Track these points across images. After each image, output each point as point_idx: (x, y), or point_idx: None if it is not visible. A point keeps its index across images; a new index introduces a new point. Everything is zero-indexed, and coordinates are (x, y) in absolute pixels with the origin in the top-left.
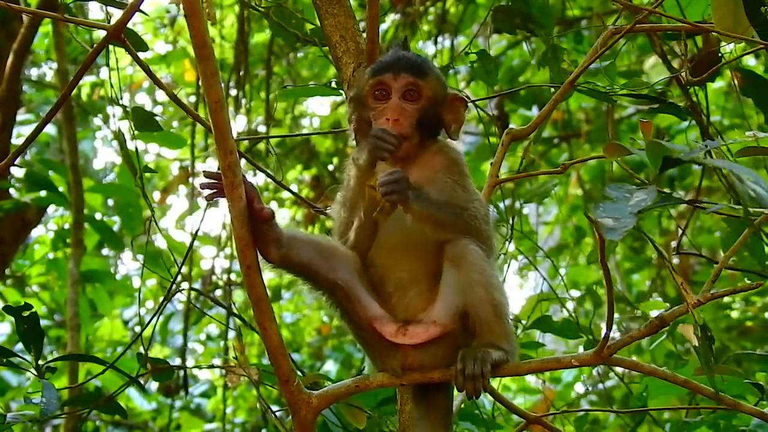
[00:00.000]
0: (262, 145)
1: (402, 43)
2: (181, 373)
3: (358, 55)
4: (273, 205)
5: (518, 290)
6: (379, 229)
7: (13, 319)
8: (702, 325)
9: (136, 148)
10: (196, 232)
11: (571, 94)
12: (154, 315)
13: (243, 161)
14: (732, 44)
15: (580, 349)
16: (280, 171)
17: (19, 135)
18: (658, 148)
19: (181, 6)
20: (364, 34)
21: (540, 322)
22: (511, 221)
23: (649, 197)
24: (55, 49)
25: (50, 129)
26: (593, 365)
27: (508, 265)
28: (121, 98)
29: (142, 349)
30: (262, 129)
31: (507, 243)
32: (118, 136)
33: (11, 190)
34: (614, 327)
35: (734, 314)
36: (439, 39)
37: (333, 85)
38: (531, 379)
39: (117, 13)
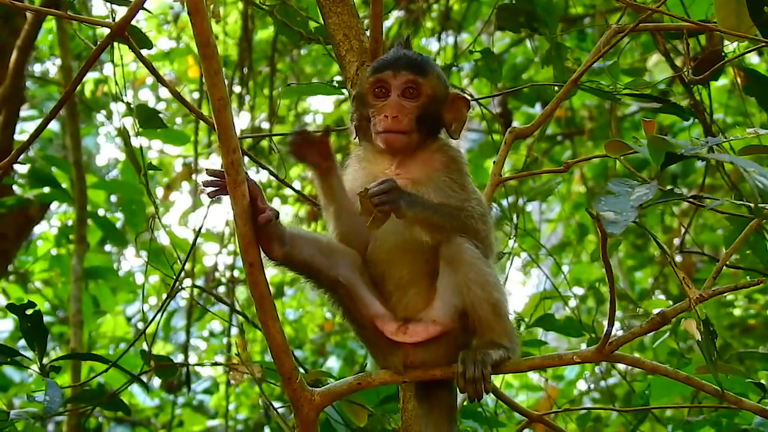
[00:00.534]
0: (265, 142)
1: (404, 41)
2: (184, 369)
3: (362, 54)
4: (276, 202)
5: (521, 288)
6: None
7: (16, 316)
8: (705, 320)
9: (140, 145)
10: (199, 228)
11: (575, 92)
12: (157, 312)
13: (246, 158)
14: (735, 43)
15: (583, 347)
16: (283, 168)
17: (23, 131)
18: (661, 144)
19: (184, 3)
20: (368, 33)
21: (543, 320)
22: (514, 219)
23: (650, 192)
24: (58, 46)
25: (53, 125)
26: (595, 362)
27: (511, 263)
28: (125, 95)
29: (145, 346)
30: (265, 126)
31: (510, 240)
32: (122, 132)
33: (14, 187)
34: (617, 324)
35: (737, 312)
36: (443, 36)
37: (336, 83)
38: (533, 377)
39: (120, 10)
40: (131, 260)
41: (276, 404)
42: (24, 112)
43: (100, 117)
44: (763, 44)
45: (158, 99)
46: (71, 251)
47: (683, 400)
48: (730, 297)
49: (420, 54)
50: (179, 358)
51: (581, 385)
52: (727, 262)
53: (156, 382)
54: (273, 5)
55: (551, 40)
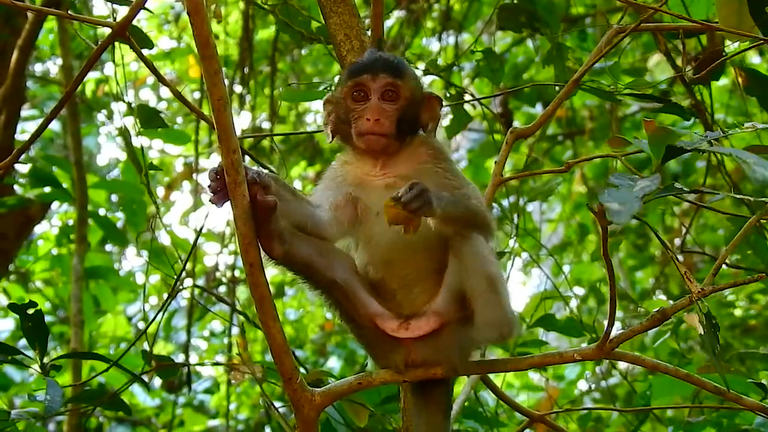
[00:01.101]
0: (266, 142)
1: (378, 43)
2: (185, 369)
3: (363, 54)
4: None
5: (522, 288)
6: (375, 227)
7: (17, 315)
8: (707, 314)
9: (141, 145)
10: (200, 228)
11: (576, 92)
12: (158, 312)
13: (247, 158)
14: (736, 42)
15: (584, 347)
16: (283, 168)
17: (24, 131)
18: (662, 137)
19: (185, 4)
20: (369, 33)
21: (543, 320)
22: (515, 219)
23: (653, 184)
24: (59, 45)
25: (54, 125)
26: (596, 359)
27: (512, 263)
28: (126, 95)
29: (146, 346)
30: (266, 125)
31: (511, 241)
32: (123, 132)
33: (15, 186)
34: (618, 324)
35: (737, 312)
36: (444, 36)
37: (335, 85)
38: (534, 377)
39: (122, 10)
40: (132, 260)
41: (277, 404)
42: (25, 111)
43: (101, 117)
44: (764, 43)
45: (159, 99)
46: (72, 251)
47: (684, 401)
48: (731, 297)
49: (395, 56)
50: (180, 357)
51: (582, 385)
52: (728, 263)
53: (157, 381)
54: (274, 5)
55: (552, 40)
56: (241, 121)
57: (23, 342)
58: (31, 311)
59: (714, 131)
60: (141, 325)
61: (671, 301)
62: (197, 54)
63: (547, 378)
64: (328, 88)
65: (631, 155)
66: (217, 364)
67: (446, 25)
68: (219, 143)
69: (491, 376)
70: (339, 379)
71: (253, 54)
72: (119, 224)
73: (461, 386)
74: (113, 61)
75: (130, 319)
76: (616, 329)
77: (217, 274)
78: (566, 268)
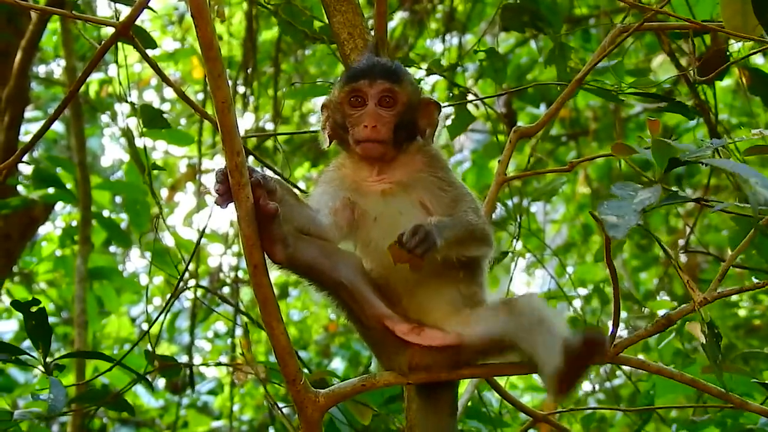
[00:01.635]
0: (270, 142)
1: (375, 48)
2: (188, 370)
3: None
4: None
5: (526, 288)
6: (373, 232)
7: (20, 315)
8: (709, 323)
9: (144, 146)
10: (204, 229)
11: (578, 92)
12: (161, 312)
13: (251, 158)
14: (740, 43)
15: None
16: (287, 168)
17: (27, 132)
18: (664, 148)
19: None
20: (373, 32)
21: None
22: (518, 219)
23: (653, 196)
24: (63, 46)
25: (58, 126)
26: (600, 364)
27: (516, 264)
28: (129, 95)
29: (149, 347)
30: (270, 126)
31: (515, 241)
32: (126, 133)
33: (19, 187)
34: (622, 325)
35: (742, 313)
36: (447, 37)
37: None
38: (538, 378)
39: (125, 10)
40: (136, 261)
41: (280, 405)
42: (28, 112)
43: (105, 118)
44: None
45: (163, 100)
46: (76, 252)
47: (688, 401)
48: (735, 298)
49: (393, 61)
50: (184, 358)
51: (586, 386)
52: (733, 263)
53: (160, 382)
54: (277, 5)
55: (555, 40)
56: (245, 122)
57: (27, 343)
58: (34, 309)
59: (718, 132)
60: (144, 326)
61: (675, 302)
62: (201, 55)
63: None
64: (332, 86)
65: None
66: (220, 364)
67: (450, 26)
68: (223, 145)
69: None
70: (343, 380)
71: (256, 54)
72: (123, 225)
73: (465, 386)
74: (116, 61)
75: (133, 320)
76: (621, 331)
77: (221, 274)
78: (570, 269)
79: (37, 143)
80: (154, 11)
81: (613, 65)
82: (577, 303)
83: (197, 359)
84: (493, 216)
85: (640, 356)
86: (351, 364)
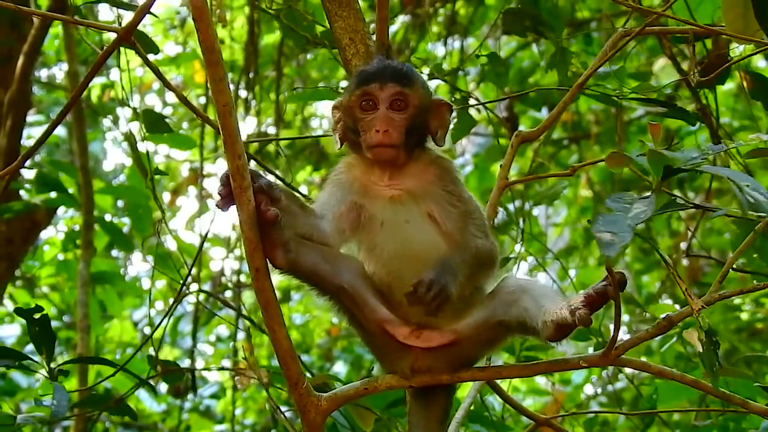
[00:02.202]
0: (272, 147)
1: (386, 51)
2: (191, 374)
3: (368, 58)
4: None
5: None
6: (378, 237)
7: (23, 320)
8: (707, 331)
9: (147, 150)
10: (206, 233)
11: (580, 96)
12: (164, 317)
13: (253, 163)
14: (742, 46)
15: (590, 351)
16: (289, 173)
17: (30, 136)
18: (659, 157)
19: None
20: (374, 37)
21: None
22: (520, 223)
23: (648, 209)
24: (65, 51)
25: (60, 130)
26: (601, 366)
27: (518, 267)
28: (131, 100)
29: (152, 351)
30: (272, 130)
31: (517, 245)
32: (129, 137)
33: (21, 192)
34: (624, 328)
35: (744, 316)
36: (449, 40)
37: (341, 88)
38: (540, 381)
39: (127, 15)
40: (138, 265)
41: (283, 408)
42: (31, 117)
43: (107, 122)
44: None
45: (165, 104)
46: (78, 256)
47: (690, 404)
48: (737, 301)
49: (404, 63)
50: (186, 362)
51: (588, 389)
52: (734, 266)
53: (163, 386)
54: (279, 9)
55: (557, 44)
56: (247, 126)
57: (30, 347)
58: (37, 316)
59: (720, 136)
60: (147, 330)
61: (677, 306)
62: (203, 59)
63: (553, 382)
64: (334, 90)
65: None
66: (223, 368)
67: (451, 30)
68: (224, 148)
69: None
70: (345, 384)
71: (258, 58)
72: (125, 229)
73: (467, 390)
74: (119, 66)
75: (136, 324)
76: (623, 335)
77: (223, 278)
78: (572, 272)
79: (40, 147)
80: (156, 16)
81: (615, 70)
82: None
83: (200, 363)
84: (495, 220)
85: (643, 359)
86: (353, 368)
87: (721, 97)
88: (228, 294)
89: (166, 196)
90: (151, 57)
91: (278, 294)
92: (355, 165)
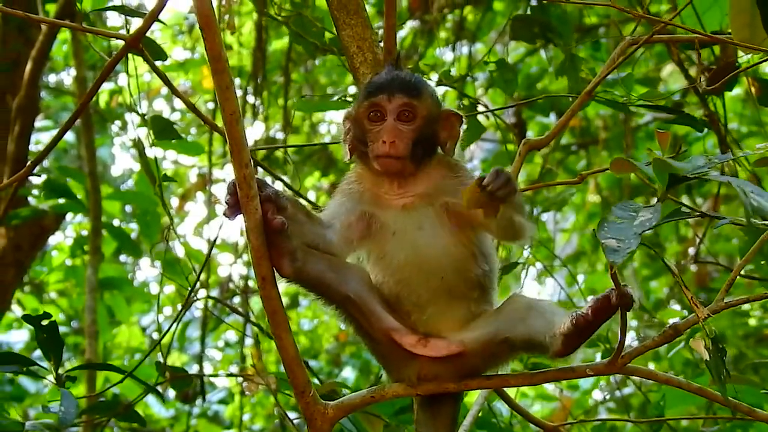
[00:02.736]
0: (279, 153)
1: (395, 61)
2: (199, 380)
3: (376, 66)
4: None
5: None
6: (388, 246)
7: (32, 326)
8: (713, 338)
9: (155, 156)
10: (214, 239)
11: (589, 102)
12: (172, 322)
13: (260, 170)
14: (749, 55)
15: (597, 358)
16: (297, 179)
17: (38, 142)
18: (664, 166)
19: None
20: (382, 44)
21: None
22: None
23: (654, 217)
24: (73, 56)
25: (68, 136)
26: (608, 374)
27: (526, 273)
28: (139, 105)
29: (160, 357)
30: (279, 136)
31: (525, 251)
32: (137, 143)
33: (29, 197)
34: (632, 334)
35: (752, 322)
36: (457, 47)
37: (349, 96)
38: (549, 386)
39: (135, 22)
40: (146, 271)
41: (291, 415)
42: (39, 122)
43: (115, 128)
44: None
45: (173, 109)
46: (86, 262)
47: (698, 411)
48: (745, 307)
49: (412, 74)
50: (194, 368)
51: (596, 395)
52: (742, 273)
53: (171, 392)
54: (288, 16)
55: (566, 51)
56: (255, 132)
57: (38, 353)
58: (45, 322)
59: (727, 142)
60: (155, 335)
61: (685, 311)
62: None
63: (561, 388)
64: (342, 99)
65: None
66: (231, 374)
67: (460, 36)
68: (231, 157)
69: None
70: (353, 391)
71: (266, 65)
72: (133, 235)
73: (474, 397)
74: (127, 72)
75: (144, 329)
76: (631, 341)
77: (231, 284)
78: (580, 278)
79: (48, 153)
80: (164, 23)
81: (623, 76)
82: None
83: (208, 369)
84: None
85: (651, 365)
86: (362, 373)
87: (728, 102)
88: (236, 300)
89: (175, 202)
90: (159, 63)
91: (286, 300)
92: (365, 175)
